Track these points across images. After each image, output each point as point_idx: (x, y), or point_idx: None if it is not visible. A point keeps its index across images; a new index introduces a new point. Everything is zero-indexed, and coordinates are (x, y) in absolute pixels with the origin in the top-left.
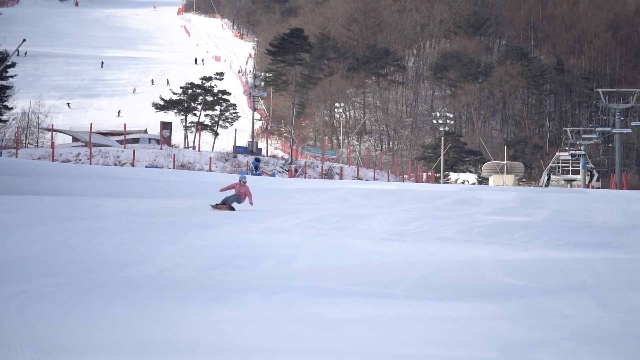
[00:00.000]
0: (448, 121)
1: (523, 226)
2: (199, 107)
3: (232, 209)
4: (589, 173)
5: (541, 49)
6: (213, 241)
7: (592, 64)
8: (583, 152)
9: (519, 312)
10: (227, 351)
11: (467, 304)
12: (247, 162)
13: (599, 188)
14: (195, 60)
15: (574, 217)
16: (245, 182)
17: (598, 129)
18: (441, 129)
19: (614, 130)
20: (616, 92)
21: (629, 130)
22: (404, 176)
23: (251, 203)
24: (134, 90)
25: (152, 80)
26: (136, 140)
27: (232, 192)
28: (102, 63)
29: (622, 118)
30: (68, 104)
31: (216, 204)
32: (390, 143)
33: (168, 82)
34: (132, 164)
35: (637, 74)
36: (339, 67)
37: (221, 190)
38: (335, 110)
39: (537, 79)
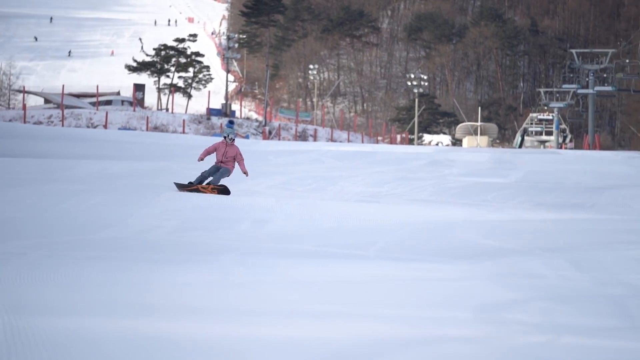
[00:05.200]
0: (422, 83)
1: (496, 187)
2: (172, 68)
3: (224, 190)
4: (562, 134)
5: (515, 10)
6: (187, 203)
7: (566, 24)
8: (550, 118)
9: (493, 273)
10: (201, 313)
11: (440, 264)
12: (221, 124)
13: (572, 149)
14: (169, 21)
15: (547, 178)
16: (234, 139)
17: (565, 86)
18: (415, 90)
19: (579, 90)
20: (589, 53)
21: (592, 91)
22: (378, 138)
23: (244, 172)
24: (112, 52)
25: (142, 45)
26: (109, 102)
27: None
28: (51, 18)
29: (594, 79)
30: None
31: (190, 183)
32: (365, 105)
33: (141, 42)
34: (105, 126)
35: (610, 34)
36: (313, 28)
37: (200, 159)
38: (309, 72)
39: (511, 40)
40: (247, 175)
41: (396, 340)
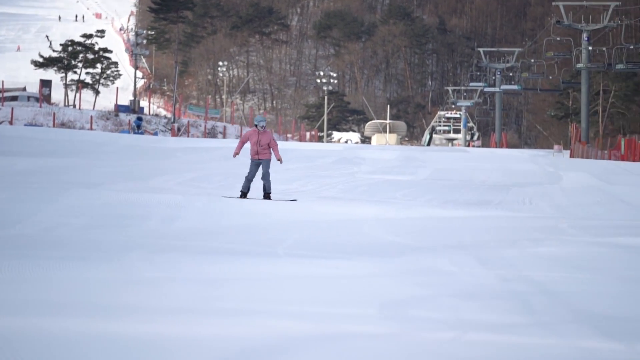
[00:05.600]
0: (332, 80)
1: (405, 185)
2: (80, 65)
3: (292, 200)
4: (469, 132)
5: (424, 8)
6: (94, 200)
7: (474, 23)
8: (458, 116)
9: (400, 270)
10: (109, 311)
11: (349, 261)
12: (129, 120)
13: (479, 147)
14: (76, 17)
15: (454, 175)
16: (264, 126)
17: (472, 84)
18: (325, 88)
19: (486, 89)
20: (496, 52)
21: (499, 90)
22: (288, 135)
23: (279, 158)
24: (19, 48)
25: (50, 42)
26: (14, 98)
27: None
28: None
29: (500, 77)
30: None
31: (243, 194)
32: (274, 102)
33: (48, 39)
34: (11, 122)
35: (517, 34)
36: (222, 25)
37: (236, 153)
38: (219, 69)
39: (420, 38)
40: (281, 162)
41: (304, 337)
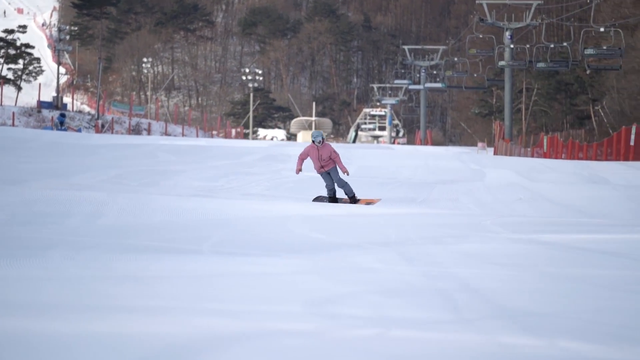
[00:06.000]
0: (257, 77)
1: None
2: (1, 60)
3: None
4: (395, 129)
5: (349, 6)
6: (15, 197)
7: (399, 21)
8: (383, 114)
9: (325, 267)
10: (30, 309)
11: (273, 259)
12: (52, 117)
13: (404, 144)
14: None
15: (380, 172)
16: (322, 141)
17: (397, 82)
18: (250, 85)
19: (410, 86)
20: (421, 50)
21: (423, 87)
22: (213, 132)
23: (345, 171)
24: None
25: None
26: None
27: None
28: None
29: (425, 75)
30: None
31: (336, 199)
32: (199, 99)
33: None
34: None
35: (441, 31)
36: (146, 21)
37: (298, 170)
38: (143, 65)
39: (345, 35)
40: (347, 174)
41: (228, 335)
